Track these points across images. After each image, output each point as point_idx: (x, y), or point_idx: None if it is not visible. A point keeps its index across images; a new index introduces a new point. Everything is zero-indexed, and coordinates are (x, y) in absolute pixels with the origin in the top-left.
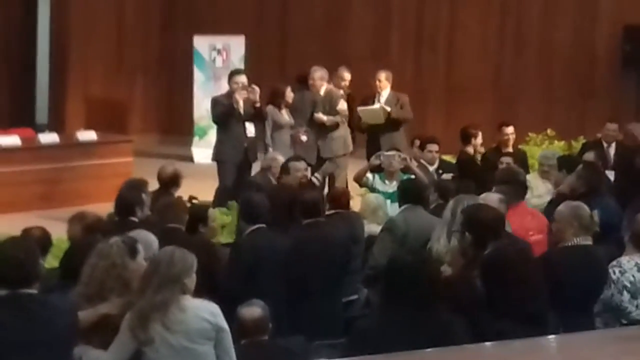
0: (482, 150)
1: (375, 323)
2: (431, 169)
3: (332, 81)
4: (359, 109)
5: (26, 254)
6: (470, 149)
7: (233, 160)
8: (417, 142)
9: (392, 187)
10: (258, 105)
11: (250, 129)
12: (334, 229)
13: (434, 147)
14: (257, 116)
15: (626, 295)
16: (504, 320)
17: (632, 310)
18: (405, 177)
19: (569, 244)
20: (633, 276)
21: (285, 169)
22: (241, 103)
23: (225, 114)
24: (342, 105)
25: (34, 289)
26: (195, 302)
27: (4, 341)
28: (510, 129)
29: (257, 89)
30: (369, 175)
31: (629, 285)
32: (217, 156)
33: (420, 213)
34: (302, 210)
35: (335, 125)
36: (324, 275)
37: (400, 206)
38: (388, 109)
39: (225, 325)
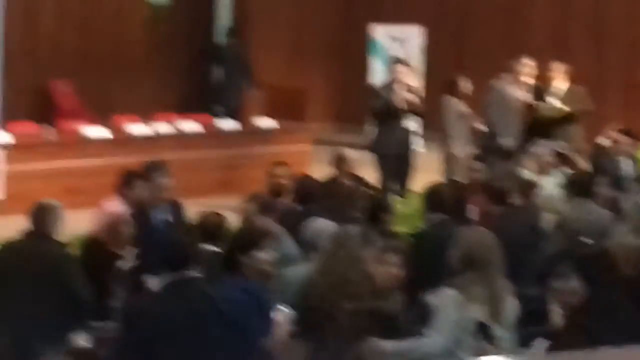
0: None
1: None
2: None
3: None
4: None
5: (185, 237)
6: None
7: (390, 152)
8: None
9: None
10: (419, 110)
11: (409, 122)
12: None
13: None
14: (416, 114)
15: None
16: None
17: None
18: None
19: None
20: None
21: None
22: (402, 95)
23: (383, 110)
24: None
25: (195, 272)
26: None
27: (169, 324)
28: None
29: (417, 99)
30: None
31: None
32: (374, 148)
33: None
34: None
35: None
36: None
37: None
38: (567, 108)
39: None
